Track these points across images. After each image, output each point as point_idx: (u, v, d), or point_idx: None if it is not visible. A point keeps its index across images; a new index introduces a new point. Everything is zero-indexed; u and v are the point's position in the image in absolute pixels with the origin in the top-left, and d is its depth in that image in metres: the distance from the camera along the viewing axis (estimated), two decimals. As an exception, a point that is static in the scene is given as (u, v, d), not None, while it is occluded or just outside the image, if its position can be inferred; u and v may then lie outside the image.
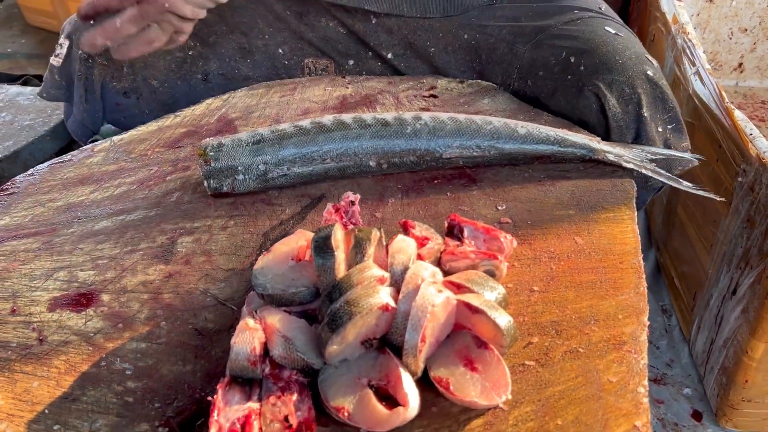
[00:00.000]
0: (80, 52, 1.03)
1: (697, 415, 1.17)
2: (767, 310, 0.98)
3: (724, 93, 1.11)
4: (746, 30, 1.89)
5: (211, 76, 1.01)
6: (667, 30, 1.38)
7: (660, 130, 0.90)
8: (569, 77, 0.93)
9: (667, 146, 0.91)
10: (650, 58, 0.93)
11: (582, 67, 0.92)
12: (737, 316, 1.05)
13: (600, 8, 1.02)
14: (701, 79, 1.18)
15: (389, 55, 1.07)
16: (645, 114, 0.89)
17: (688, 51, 1.25)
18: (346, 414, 0.53)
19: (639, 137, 0.89)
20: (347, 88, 1.02)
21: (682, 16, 1.35)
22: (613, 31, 0.95)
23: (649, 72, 0.90)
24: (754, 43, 1.90)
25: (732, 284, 1.07)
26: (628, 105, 0.89)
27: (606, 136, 0.89)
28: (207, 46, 1.06)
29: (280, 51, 1.09)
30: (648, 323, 0.61)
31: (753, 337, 1.01)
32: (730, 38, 1.90)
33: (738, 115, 1.06)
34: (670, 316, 1.36)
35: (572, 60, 0.93)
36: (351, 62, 1.09)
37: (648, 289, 1.43)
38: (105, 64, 1.03)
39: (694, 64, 1.21)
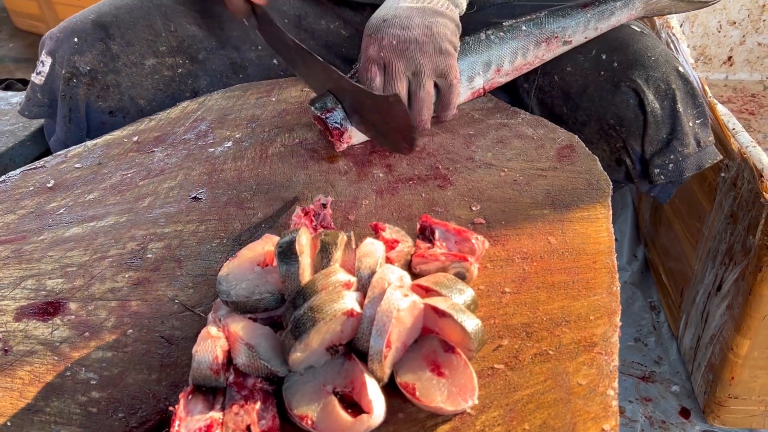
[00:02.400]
0: (63, 71, 0.98)
1: (685, 413, 1.16)
2: (751, 306, 0.97)
3: (707, 88, 1.10)
4: (735, 23, 1.88)
5: (201, 94, 0.98)
6: (652, 24, 1.37)
7: (691, 125, 0.92)
8: (602, 73, 0.93)
9: (697, 141, 0.92)
10: (676, 55, 0.94)
11: (616, 64, 0.92)
12: (722, 313, 1.04)
13: None
14: (685, 74, 1.16)
15: None
16: (679, 109, 0.90)
17: (672, 46, 1.24)
18: (309, 422, 0.52)
19: (674, 131, 0.90)
20: (325, 88, 1.01)
21: (667, 10, 1.33)
22: (639, 29, 0.96)
23: (679, 68, 0.92)
24: (743, 36, 1.89)
25: (717, 280, 1.06)
26: (664, 100, 0.90)
27: (643, 131, 0.90)
28: (196, 63, 1.03)
29: (275, 62, 1.06)
30: (620, 324, 0.60)
31: (738, 333, 1.00)
32: (719, 31, 1.89)
33: (721, 109, 1.05)
34: (658, 313, 1.35)
35: (604, 57, 0.93)
36: (353, 69, 1.06)
37: (636, 285, 1.43)
38: (90, 83, 0.99)
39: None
